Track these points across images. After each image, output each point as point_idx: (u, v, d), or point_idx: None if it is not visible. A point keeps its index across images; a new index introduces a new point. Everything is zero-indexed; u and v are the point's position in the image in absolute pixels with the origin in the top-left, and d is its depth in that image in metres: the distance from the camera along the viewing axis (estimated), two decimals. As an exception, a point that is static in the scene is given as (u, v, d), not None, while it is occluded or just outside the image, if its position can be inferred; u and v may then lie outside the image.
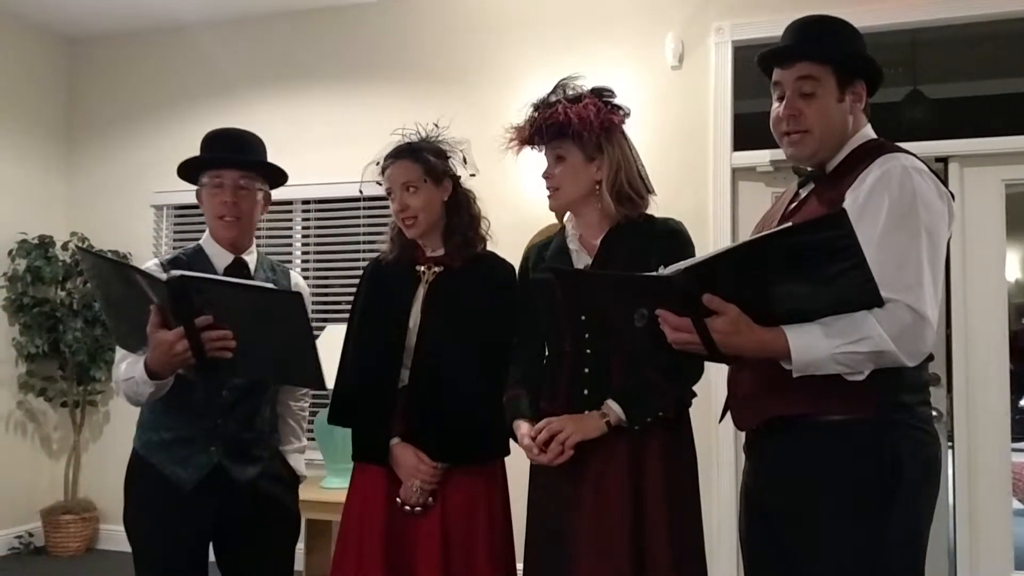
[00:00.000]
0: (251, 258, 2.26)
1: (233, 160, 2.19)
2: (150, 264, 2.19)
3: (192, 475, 2.11)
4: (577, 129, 2.01)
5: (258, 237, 2.42)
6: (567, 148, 2.05)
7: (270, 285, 1.97)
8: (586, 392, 1.99)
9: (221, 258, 2.21)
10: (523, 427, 2.01)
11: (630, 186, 2.06)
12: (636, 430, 1.94)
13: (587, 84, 2.10)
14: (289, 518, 2.31)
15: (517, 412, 2.05)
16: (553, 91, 2.09)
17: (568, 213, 2.16)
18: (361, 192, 2.30)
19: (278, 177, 2.30)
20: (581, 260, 2.08)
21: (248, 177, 2.19)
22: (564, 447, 1.91)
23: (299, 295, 1.94)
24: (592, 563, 1.93)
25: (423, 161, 2.19)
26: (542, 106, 2.07)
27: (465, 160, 2.30)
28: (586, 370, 2.01)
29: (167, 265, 2.13)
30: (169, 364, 1.93)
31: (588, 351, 2.01)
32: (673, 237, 2.05)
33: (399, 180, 2.18)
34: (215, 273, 2.15)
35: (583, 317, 2.00)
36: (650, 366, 1.94)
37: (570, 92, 2.07)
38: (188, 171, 2.25)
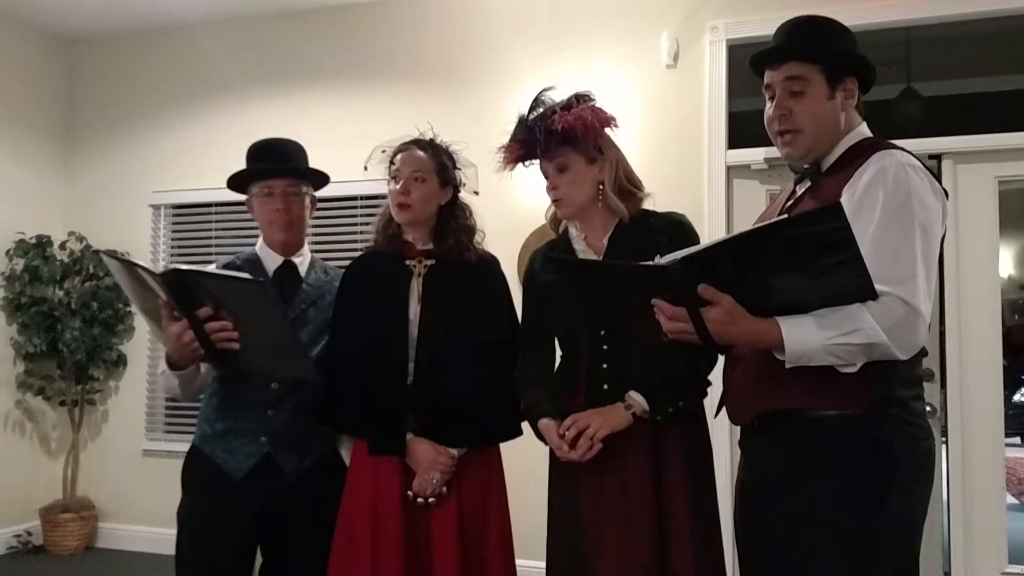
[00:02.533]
0: (300, 259, 2.37)
1: (281, 170, 2.32)
2: (211, 267, 2.29)
3: (242, 464, 2.19)
4: (580, 133, 2.00)
5: (253, 236, 2.45)
6: (569, 156, 2.04)
7: (244, 275, 2.03)
8: (606, 387, 2.01)
9: (272, 261, 2.33)
10: (552, 426, 2.01)
11: (628, 180, 2.09)
12: (659, 420, 1.96)
13: (556, 94, 2.08)
14: (334, 511, 2.29)
15: (542, 412, 2.05)
16: (533, 107, 2.08)
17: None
18: (366, 168, 2.33)
19: (321, 180, 2.41)
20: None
21: (295, 184, 2.32)
22: (592, 441, 1.92)
23: (262, 283, 2.00)
24: (616, 554, 1.94)
25: (438, 159, 2.26)
26: (536, 120, 2.05)
27: (465, 182, 2.33)
28: (604, 366, 2.02)
29: (222, 268, 2.26)
30: (182, 355, 2.04)
31: (605, 347, 2.02)
32: (679, 229, 2.06)
33: (410, 166, 2.23)
34: (266, 276, 2.26)
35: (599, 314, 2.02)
36: (666, 355, 1.93)
37: (550, 103, 2.06)
38: (236, 183, 2.37)
